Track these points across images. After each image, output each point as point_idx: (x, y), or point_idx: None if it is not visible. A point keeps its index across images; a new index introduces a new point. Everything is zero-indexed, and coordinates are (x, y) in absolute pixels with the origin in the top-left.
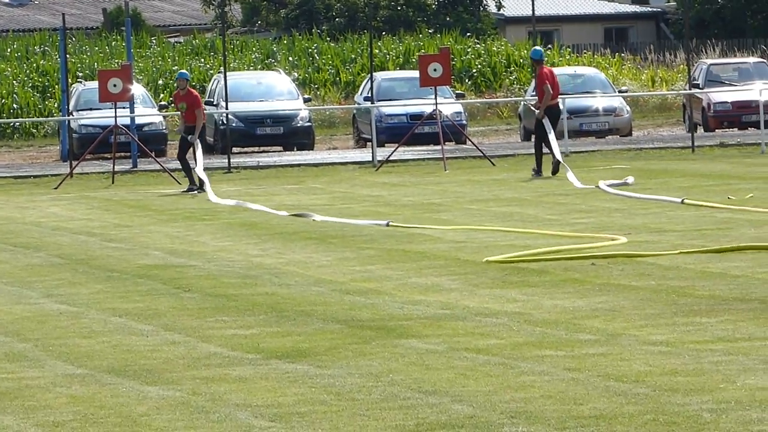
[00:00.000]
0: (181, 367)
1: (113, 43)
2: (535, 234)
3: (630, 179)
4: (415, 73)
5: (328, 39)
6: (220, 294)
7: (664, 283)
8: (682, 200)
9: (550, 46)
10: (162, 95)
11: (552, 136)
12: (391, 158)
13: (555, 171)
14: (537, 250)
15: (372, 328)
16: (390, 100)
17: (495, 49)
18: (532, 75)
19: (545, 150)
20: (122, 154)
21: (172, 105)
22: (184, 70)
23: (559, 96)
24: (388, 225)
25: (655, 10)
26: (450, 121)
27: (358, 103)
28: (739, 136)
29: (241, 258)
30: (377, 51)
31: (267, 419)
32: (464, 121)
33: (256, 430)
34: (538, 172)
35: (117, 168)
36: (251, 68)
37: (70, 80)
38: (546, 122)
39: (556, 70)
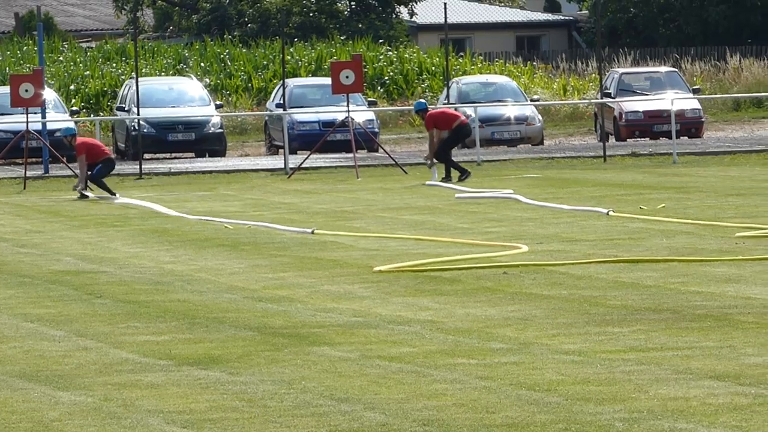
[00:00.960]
0: (93, 372)
1: (25, 47)
2: (445, 242)
3: (508, 191)
4: (328, 80)
5: (240, 45)
6: (132, 300)
7: (576, 292)
8: (608, 212)
9: (462, 53)
10: (74, 100)
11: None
12: (303, 165)
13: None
14: (426, 260)
15: (284, 336)
16: (302, 107)
17: (407, 56)
18: (422, 123)
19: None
20: (34, 159)
21: (84, 110)
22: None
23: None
24: (313, 233)
25: (567, 18)
26: (362, 128)
27: (270, 110)
28: (651, 145)
29: (153, 264)
30: (289, 57)
31: (179, 425)
32: (376, 129)
33: None
34: (463, 174)
35: (29, 173)
36: (163, 74)
37: None
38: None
39: (468, 79)
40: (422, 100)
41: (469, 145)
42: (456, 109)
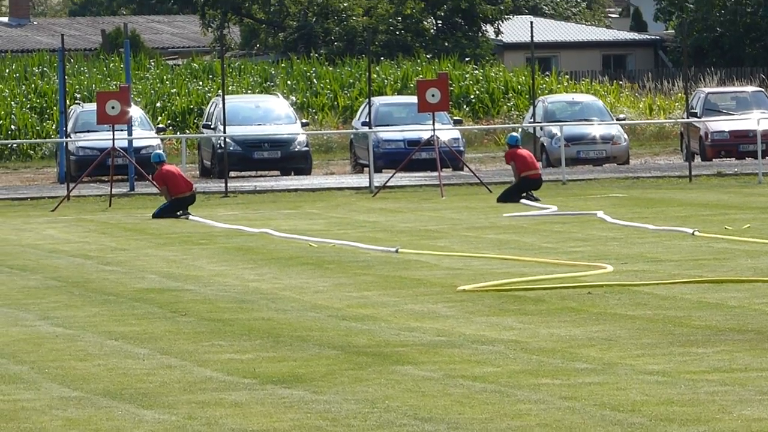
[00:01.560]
0: (177, 391)
1: (111, 65)
2: (530, 262)
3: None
4: (413, 99)
5: (326, 63)
6: (216, 318)
7: (661, 312)
8: (693, 232)
9: (548, 72)
10: (160, 118)
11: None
12: (388, 184)
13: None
14: (510, 280)
15: (368, 354)
16: (387, 125)
17: (493, 75)
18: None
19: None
20: (120, 176)
21: (170, 128)
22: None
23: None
24: (397, 252)
25: (653, 37)
26: (447, 147)
27: (356, 128)
28: (737, 165)
29: (238, 282)
30: (375, 76)
31: None
32: (462, 148)
33: None
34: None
35: (114, 191)
36: (249, 91)
37: (68, 102)
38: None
39: (555, 97)
40: (515, 135)
41: (554, 164)
42: (542, 129)
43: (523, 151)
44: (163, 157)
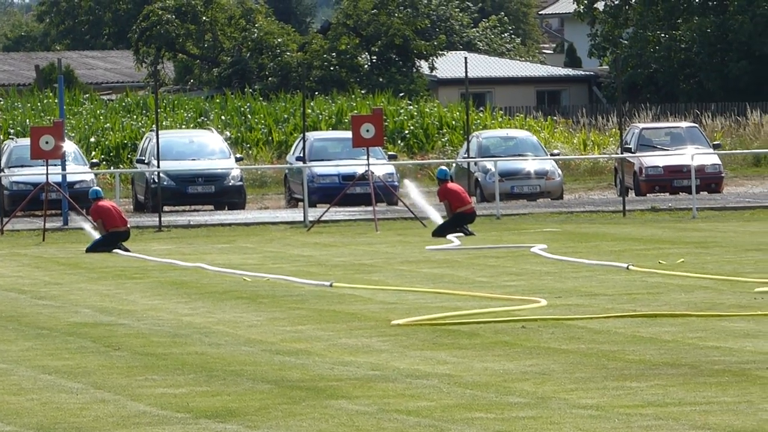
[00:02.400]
0: (111, 425)
1: (45, 100)
2: (464, 296)
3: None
4: (348, 134)
5: (260, 98)
6: (150, 353)
7: (594, 346)
8: (628, 266)
9: (482, 107)
10: (93, 153)
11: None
12: (322, 218)
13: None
14: (444, 314)
15: (302, 389)
16: (322, 160)
17: (428, 110)
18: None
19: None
20: (53, 211)
21: (104, 162)
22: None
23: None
24: (331, 286)
25: (587, 73)
26: (382, 182)
27: (291, 163)
28: (671, 200)
29: (171, 317)
30: (310, 111)
31: None
32: (396, 183)
33: None
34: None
35: (48, 225)
36: (183, 127)
37: (1, 137)
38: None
39: (488, 133)
40: (445, 169)
41: (488, 199)
42: (476, 164)
43: (455, 186)
44: (100, 193)
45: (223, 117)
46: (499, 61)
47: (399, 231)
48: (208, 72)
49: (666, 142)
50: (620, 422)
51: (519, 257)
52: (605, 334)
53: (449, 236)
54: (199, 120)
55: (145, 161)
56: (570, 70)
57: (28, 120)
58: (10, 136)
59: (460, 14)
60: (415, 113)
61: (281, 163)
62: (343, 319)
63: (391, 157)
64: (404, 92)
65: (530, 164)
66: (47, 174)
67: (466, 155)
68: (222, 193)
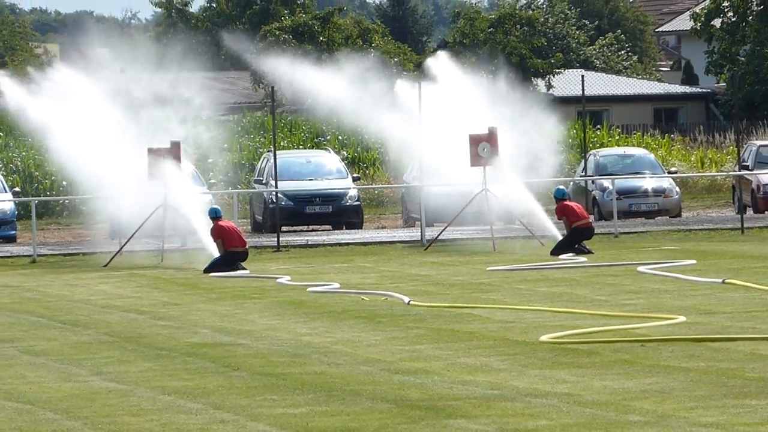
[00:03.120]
0: None
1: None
2: (585, 314)
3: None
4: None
5: None
6: (269, 373)
7: (714, 364)
8: (723, 281)
9: (599, 126)
10: (211, 173)
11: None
12: (440, 238)
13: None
14: (609, 328)
15: (421, 408)
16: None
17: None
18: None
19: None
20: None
21: (222, 183)
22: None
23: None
24: (408, 303)
25: (704, 90)
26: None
27: (407, 182)
28: None
29: (290, 336)
30: None
31: None
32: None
33: None
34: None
35: (166, 246)
36: (300, 147)
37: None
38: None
39: (605, 151)
40: (562, 188)
41: (606, 217)
42: (593, 182)
43: (572, 203)
44: (219, 212)
45: (339, 137)
46: (616, 79)
47: (516, 249)
48: None
49: None
50: None
51: (637, 276)
52: (724, 352)
53: (563, 256)
54: (316, 140)
55: (263, 182)
56: (687, 87)
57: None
58: None
59: (577, 32)
60: (532, 132)
61: (398, 182)
62: (461, 338)
63: None
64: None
65: (648, 182)
66: (165, 194)
67: (583, 173)
68: (339, 213)
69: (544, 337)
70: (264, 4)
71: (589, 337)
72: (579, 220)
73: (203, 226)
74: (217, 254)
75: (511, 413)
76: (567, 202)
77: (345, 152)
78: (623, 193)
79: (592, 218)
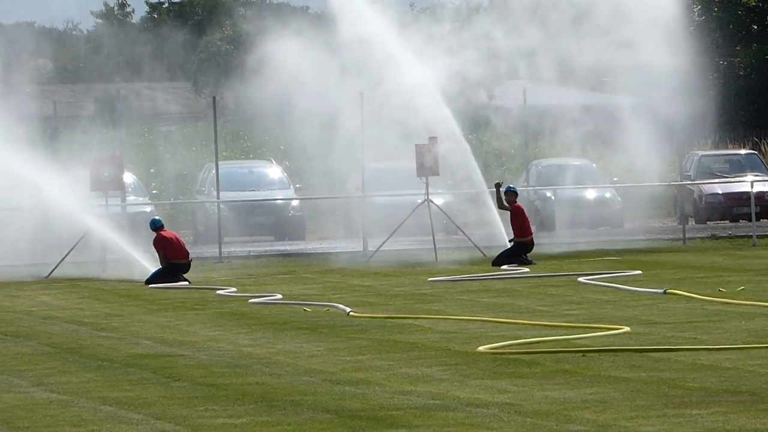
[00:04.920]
0: None
1: (105, 130)
2: (526, 325)
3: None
4: (406, 164)
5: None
6: (210, 383)
7: (655, 374)
8: (665, 291)
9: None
10: (154, 183)
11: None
12: (382, 248)
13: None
14: (550, 338)
15: (362, 418)
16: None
17: (485, 139)
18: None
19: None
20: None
21: (163, 194)
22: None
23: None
24: (348, 314)
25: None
26: (443, 211)
27: (350, 193)
28: (731, 228)
29: (231, 347)
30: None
31: None
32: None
33: None
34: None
35: (108, 257)
36: (243, 157)
37: None
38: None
39: (548, 161)
40: (514, 185)
41: (548, 228)
42: (535, 192)
43: (523, 211)
44: (160, 222)
45: (282, 147)
46: (559, 90)
47: (459, 260)
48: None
49: (725, 170)
50: None
51: (579, 286)
52: (666, 362)
53: (504, 266)
54: (259, 150)
55: (205, 192)
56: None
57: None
58: None
59: None
60: (474, 142)
61: (341, 193)
62: (402, 348)
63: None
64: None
65: (589, 192)
66: (107, 205)
67: (525, 184)
68: (282, 224)
69: (482, 348)
70: (205, 15)
71: (531, 347)
72: (526, 236)
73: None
74: (149, 266)
75: (452, 423)
76: (520, 205)
77: (287, 163)
78: (565, 204)
79: (533, 230)
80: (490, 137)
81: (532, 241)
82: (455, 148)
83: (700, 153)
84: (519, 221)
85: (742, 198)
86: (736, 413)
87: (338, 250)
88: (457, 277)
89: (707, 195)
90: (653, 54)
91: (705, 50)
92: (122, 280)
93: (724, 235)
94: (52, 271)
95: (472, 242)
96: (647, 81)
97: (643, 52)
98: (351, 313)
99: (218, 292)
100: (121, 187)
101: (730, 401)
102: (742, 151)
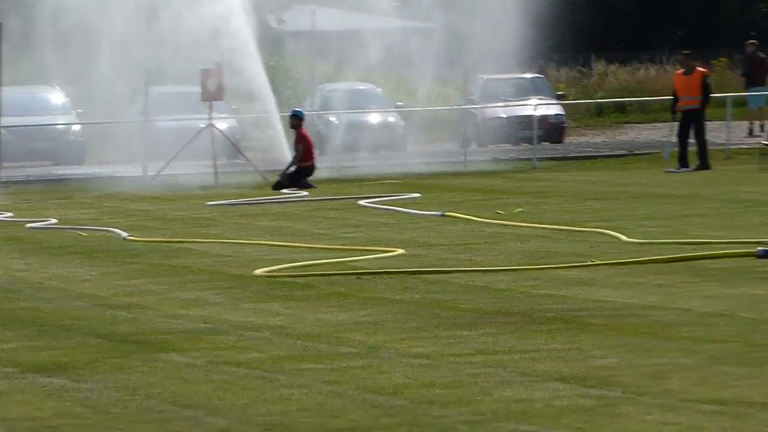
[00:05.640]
0: None
1: None
2: (303, 248)
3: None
4: (193, 88)
5: None
6: None
7: (429, 296)
8: (442, 213)
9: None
10: None
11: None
12: (163, 173)
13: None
14: (326, 261)
15: (132, 342)
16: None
17: (272, 64)
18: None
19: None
20: None
21: None
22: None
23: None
24: (125, 239)
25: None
26: (226, 136)
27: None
28: (513, 151)
29: (3, 272)
30: None
31: None
32: (238, 136)
33: None
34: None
35: None
36: (26, 83)
37: None
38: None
39: (334, 86)
40: (300, 109)
41: (331, 152)
42: (320, 117)
43: (309, 137)
44: None
45: (67, 72)
46: (348, 15)
47: (240, 184)
48: (53, 27)
49: (511, 93)
50: (449, 370)
51: (357, 209)
52: (440, 284)
53: (284, 190)
54: (42, 75)
55: None
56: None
57: None
58: None
59: None
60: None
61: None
62: (177, 272)
63: (235, 111)
64: None
65: (373, 117)
66: None
67: (310, 108)
68: (62, 149)
69: (258, 271)
70: None
71: (306, 270)
72: (308, 161)
73: None
74: None
75: (223, 346)
76: (306, 132)
77: (71, 87)
78: (349, 127)
79: (316, 153)
80: (277, 61)
81: (314, 165)
82: (250, 62)
83: (486, 77)
84: (302, 146)
85: (525, 121)
86: (506, 334)
87: (118, 175)
88: (236, 201)
89: (489, 119)
90: None
91: None
92: None
93: (506, 158)
94: None
95: (254, 167)
96: (439, 4)
97: None
98: (127, 238)
99: None
100: None
101: (501, 322)
102: (528, 75)
